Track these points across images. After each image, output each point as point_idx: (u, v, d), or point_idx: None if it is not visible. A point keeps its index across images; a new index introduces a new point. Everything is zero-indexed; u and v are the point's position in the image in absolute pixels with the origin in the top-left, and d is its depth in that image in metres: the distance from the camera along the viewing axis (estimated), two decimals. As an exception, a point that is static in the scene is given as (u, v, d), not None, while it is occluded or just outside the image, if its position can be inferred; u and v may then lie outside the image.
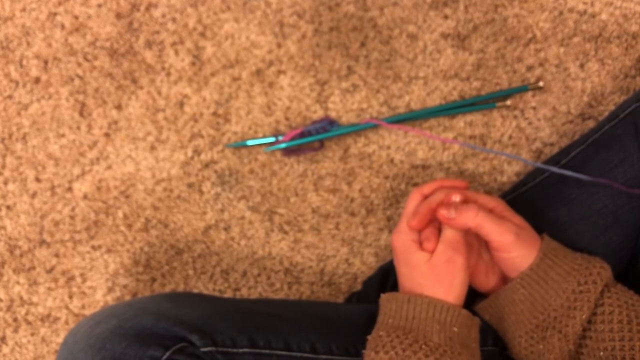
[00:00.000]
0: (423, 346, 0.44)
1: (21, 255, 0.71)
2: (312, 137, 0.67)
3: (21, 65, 0.71)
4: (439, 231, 0.51)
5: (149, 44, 0.70)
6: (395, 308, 0.48)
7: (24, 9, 0.71)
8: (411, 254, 0.50)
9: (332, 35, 0.69)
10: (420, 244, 0.51)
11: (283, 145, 0.68)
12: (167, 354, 0.44)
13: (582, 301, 0.46)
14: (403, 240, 0.51)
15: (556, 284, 0.47)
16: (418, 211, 0.51)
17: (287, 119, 0.69)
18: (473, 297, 0.55)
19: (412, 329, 0.46)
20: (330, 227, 0.69)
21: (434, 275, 0.48)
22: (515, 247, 0.48)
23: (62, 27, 0.71)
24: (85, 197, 0.70)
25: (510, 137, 0.68)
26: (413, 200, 0.53)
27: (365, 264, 0.70)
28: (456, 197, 0.50)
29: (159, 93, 0.70)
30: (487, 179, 0.68)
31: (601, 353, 0.45)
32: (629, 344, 0.44)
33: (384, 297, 0.51)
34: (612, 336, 0.45)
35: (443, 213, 0.49)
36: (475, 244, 0.54)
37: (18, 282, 0.71)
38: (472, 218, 0.48)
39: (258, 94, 0.69)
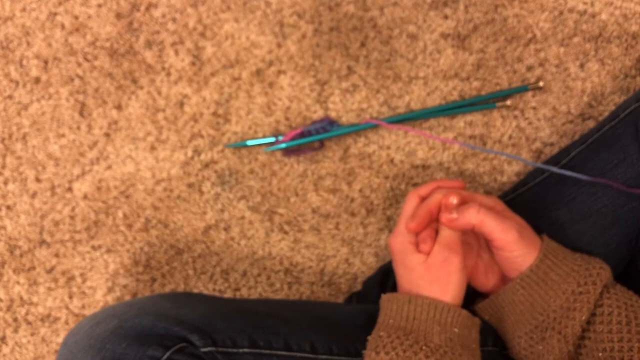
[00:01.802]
0: (424, 347, 0.45)
1: (21, 255, 0.71)
2: (312, 137, 0.67)
3: (21, 65, 0.71)
4: (436, 233, 0.51)
5: (149, 44, 0.70)
6: (395, 308, 0.48)
7: (24, 9, 0.71)
8: (408, 255, 0.50)
9: (332, 35, 0.69)
10: (417, 246, 0.51)
11: (283, 145, 0.68)
12: (167, 354, 0.44)
13: (581, 302, 0.46)
14: (400, 242, 0.51)
15: (556, 284, 0.47)
16: (417, 214, 0.51)
17: (287, 119, 0.69)
18: (473, 297, 0.55)
19: (413, 329, 0.46)
20: (330, 227, 0.69)
21: (430, 275, 0.48)
22: (518, 245, 0.48)
23: (62, 27, 0.71)
24: (85, 197, 0.70)
25: (510, 137, 0.68)
26: (410, 203, 0.53)
27: (365, 264, 0.70)
28: (453, 199, 0.50)
29: (159, 93, 0.70)
30: (487, 179, 0.68)
31: (600, 354, 0.45)
32: (628, 345, 0.44)
33: (384, 297, 0.51)
34: (611, 337, 0.45)
35: (445, 216, 0.49)
36: (475, 244, 0.54)
37: (18, 282, 0.71)
38: (474, 215, 0.48)
39: (258, 94, 0.69)
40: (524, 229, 0.50)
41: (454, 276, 0.48)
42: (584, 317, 0.46)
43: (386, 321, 0.48)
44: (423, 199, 0.53)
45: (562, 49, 0.68)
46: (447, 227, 0.50)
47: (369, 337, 0.48)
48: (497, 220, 0.48)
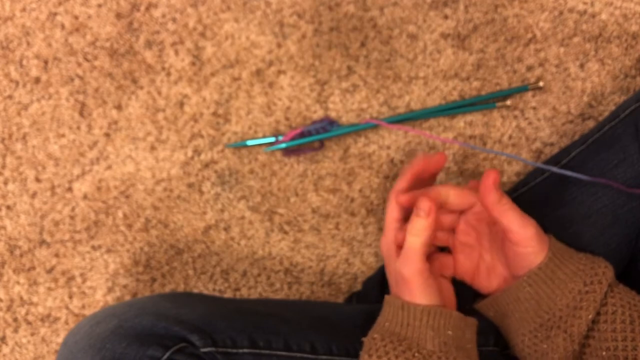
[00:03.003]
0: (416, 354, 0.44)
1: (21, 255, 0.71)
2: (312, 137, 0.67)
3: (21, 65, 0.71)
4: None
5: (149, 44, 0.70)
6: (392, 312, 0.48)
7: (24, 9, 0.71)
8: (391, 259, 0.50)
9: (332, 35, 0.69)
10: (396, 241, 0.50)
11: (283, 145, 0.68)
12: (167, 354, 0.44)
13: (587, 301, 0.46)
14: (385, 243, 0.51)
15: (562, 283, 0.47)
16: (413, 194, 0.50)
17: (287, 119, 0.69)
18: (474, 298, 0.55)
19: (407, 336, 0.46)
20: (330, 227, 0.69)
21: (400, 282, 0.48)
22: (534, 242, 0.48)
23: (62, 27, 0.71)
24: (85, 197, 0.70)
25: (510, 137, 0.68)
26: (393, 202, 0.52)
27: (365, 264, 0.70)
28: (497, 177, 0.49)
29: (159, 93, 0.70)
30: (487, 179, 0.68)
31: (604, 353, 0.45)
32: (632, 344, 0.44)
33: (386, 298, 0.51)
34: (615, 336, 0.45)
35: (490, 184, 0.47)
36: (476, 246, 0.54)
37: (18, 282, 0.71)
38: (504, 202, 0.47)
39: (258, 94, 0.69)
40: (539, 226, 0.49)
41: (414, 283, 0.47)
42: (590, 316, 0.46)
43: (382, 323, 0.48)
44: (405, 191, 0.52)
45: (562, 49, 0.68)
46: (411, 224, 0.48)
47: (364, 339, 0.48)
48: (518, 214, 0.48)
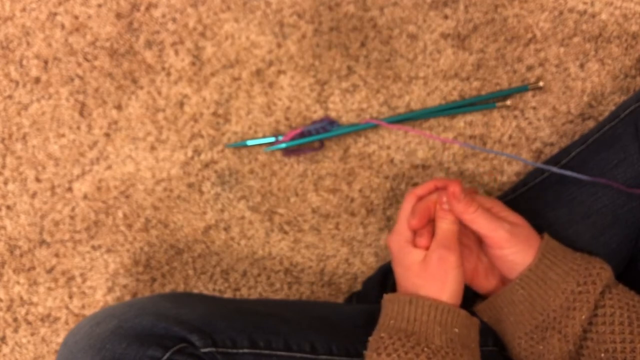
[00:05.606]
0: (425, 349, 0.44)
1: (21, 255, 0.71)
2: (312, 137, 0.67)
3: (21, 65, 0.71)
4: (434, 230, 0.51)
5: (149, 44, 0.70)
6: (397, 309, 0.48)
7: (24, 9, 0.71)
8: (406, 254, 0.50)
9: (332, 35, 0.69)
10: (414, 244, 0.50)
11: (283, 145, 0.68)
12: (167, 354, 0.44)
13: (581, 302, 0.46)
14: (397, 241, 0.51)
15: (555, 284, 0.47)
16: (416, 210, 0.51)
17: (287, 119, 0.69)
18: (473, 299, 0.55)
19: (414, 331, 0.46)
20: (330, 227, 0.69)
21: (427, 274, 0.48)
22: (509, 243, 0.48)
23: (62, 27, 0.71)
24: (85, 197, 0.70)
25: (510, 137, 0.68)
26: (408, 202, 0.53)
27: (365, 264, 0.70)
28: (457, 188, 0.50)
29: (159, 93, 0.70)
30: (487, 179, 0.68)
31: (602, 354, 0.45)
32: (630, 346, 0.44)
33: (386, 297, 0.50)
34: (613, 337, 0.45)
35: (452, 193, 0.49)
36: (474, 247, 0.54)
37: (18, 282, 0.71)
38: (471, 211, 0.49)
39: (258, 94, 0.69)
40: (518, 228, 0.50)
41: (450, 274, 0.48)
42: (584, 317, 0.46)
43: (387, 322, 0.48)
44: (420, 198, 0.53)
45: (562, 49, 0.68)
46: (438, 223, 0.50)
47: (370, 338, 0.48)
48: (488, 219, 0.49)
